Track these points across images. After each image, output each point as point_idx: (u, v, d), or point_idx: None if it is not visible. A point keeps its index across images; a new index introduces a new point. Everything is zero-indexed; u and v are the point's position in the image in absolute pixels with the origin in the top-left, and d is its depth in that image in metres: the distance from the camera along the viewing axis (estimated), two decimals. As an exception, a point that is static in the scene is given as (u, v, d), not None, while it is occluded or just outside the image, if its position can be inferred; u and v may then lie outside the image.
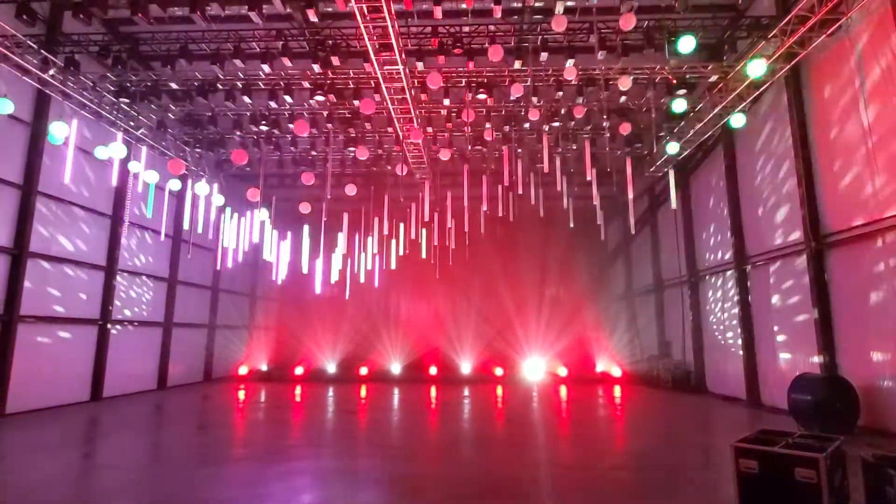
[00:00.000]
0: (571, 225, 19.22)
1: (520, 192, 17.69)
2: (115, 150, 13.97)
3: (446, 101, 15.25)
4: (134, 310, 18.02)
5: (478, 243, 22.37)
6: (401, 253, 22.54)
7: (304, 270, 22.15)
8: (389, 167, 19.77)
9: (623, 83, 13.32)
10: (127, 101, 14.80)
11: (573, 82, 14.35)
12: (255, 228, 20.47)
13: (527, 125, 16.21)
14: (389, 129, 17.04)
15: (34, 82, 13.11)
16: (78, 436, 11.41)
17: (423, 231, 21.22)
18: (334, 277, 22.96)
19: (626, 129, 15.04)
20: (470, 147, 18.28)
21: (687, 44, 12.23)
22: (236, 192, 20.01)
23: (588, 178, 15.97)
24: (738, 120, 14.13)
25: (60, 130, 12.62)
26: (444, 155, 17.39)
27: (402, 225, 21.86)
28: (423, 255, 21.89)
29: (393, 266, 22.64)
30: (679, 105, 14.13)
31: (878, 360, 10.45)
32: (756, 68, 12.05)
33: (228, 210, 19.44)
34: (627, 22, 11.31)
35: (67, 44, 13.98)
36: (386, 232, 21.09)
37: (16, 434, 10.85)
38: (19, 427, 11.44)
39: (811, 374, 11.55)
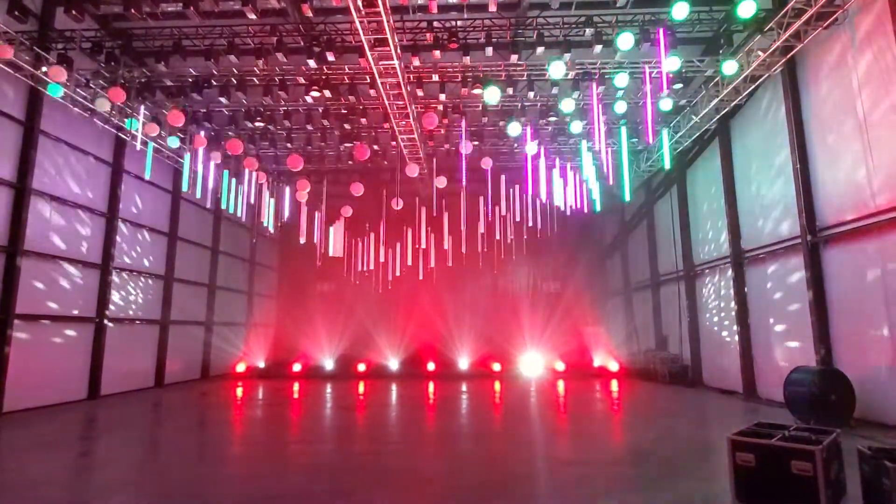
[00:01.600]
0: (567, 212, 19.36)
1: (517, 218, 18.46)
2: (113, 94, 13.50)
3: (442, 97, 15.19)
4: (131, 307, 17.96)
5: (474, 241, 22.43)
6: (397, 273, 23.08)
7: (302, 240, 21.40)
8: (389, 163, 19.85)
9: (620, 81, 13.43)
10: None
11: (569, 77, 14.33)
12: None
13: (523, 118, 16.16)
14: (386, 126, 16.93)
15: (27, 79, 13.01)
16: (76, 434, 11.38)
17: (422, 253, 21.75)
18: (336, 249, 22.35)
19: (621, 108, 15.07)
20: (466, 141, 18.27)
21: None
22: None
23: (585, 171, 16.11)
24: (730, 67, 12.92)
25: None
26: (441, 183, 17.90)
27: (398, 245, 22.25)
28: (421, 277, 22.47)
29: (397, 273, 23.04)
30: (666, 104, 14.50)
31: (874, 353, 10.49)
32: (729, 67, 12.59)
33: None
34: (625, 41, 12.40)
35: (60, 40, 13.86)
36: (383, 259, 21.45)
37: (13, 433, 10.81)
38: (16, 426, 11.41)
39: (807, 366, 11.59)
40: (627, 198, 18.22)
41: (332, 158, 20.19)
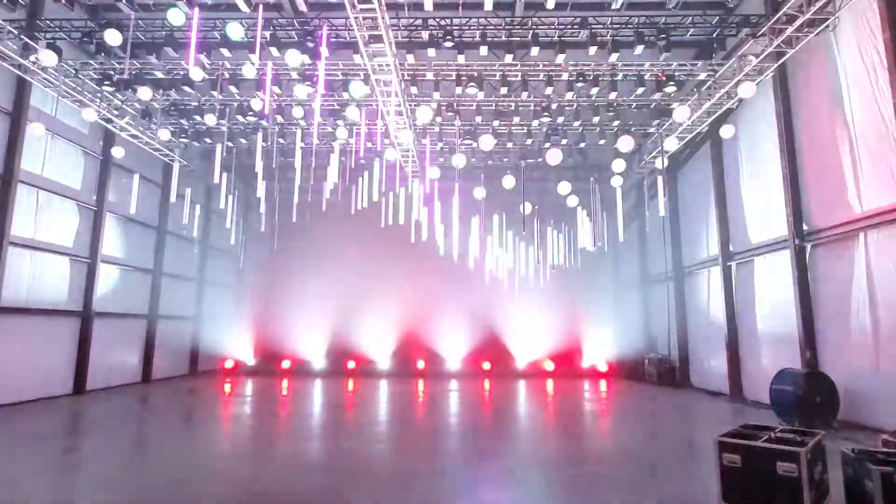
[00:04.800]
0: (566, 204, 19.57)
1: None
2: (87, 115, 13.69)
3: (436, 95, 15.15)
4: (118, 302, 17.75)
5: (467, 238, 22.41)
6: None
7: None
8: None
9: (679, 114, 13.90)
10: (111, 89, 14.51)
11: (564, 77, 14.38)
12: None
13: (517, 119, 16.19)
14: (382, 122, 16.87)
15: (14, 69, 12.80)
16: (60, 430, 11.24)
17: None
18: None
19: (628, 144, 15.28)
20: (460, 140, 18.28)
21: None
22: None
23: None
24: (727, 131, 14.38)
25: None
26: (434, 173, 18.12)
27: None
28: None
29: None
30: (681, 114, 14.11)
31: (858, 356, 10.65)
32: (746, 90, 12.51)
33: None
34: (625, 144, 14.06)
35: (49, 30, 13.63)
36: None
37: (-4, 427, 10.67)
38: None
39: (793, 369, 11.75)
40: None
41: (323, 155, 20.03)
